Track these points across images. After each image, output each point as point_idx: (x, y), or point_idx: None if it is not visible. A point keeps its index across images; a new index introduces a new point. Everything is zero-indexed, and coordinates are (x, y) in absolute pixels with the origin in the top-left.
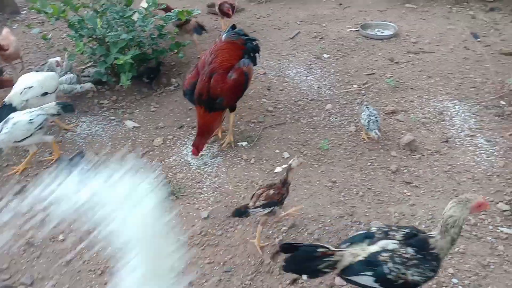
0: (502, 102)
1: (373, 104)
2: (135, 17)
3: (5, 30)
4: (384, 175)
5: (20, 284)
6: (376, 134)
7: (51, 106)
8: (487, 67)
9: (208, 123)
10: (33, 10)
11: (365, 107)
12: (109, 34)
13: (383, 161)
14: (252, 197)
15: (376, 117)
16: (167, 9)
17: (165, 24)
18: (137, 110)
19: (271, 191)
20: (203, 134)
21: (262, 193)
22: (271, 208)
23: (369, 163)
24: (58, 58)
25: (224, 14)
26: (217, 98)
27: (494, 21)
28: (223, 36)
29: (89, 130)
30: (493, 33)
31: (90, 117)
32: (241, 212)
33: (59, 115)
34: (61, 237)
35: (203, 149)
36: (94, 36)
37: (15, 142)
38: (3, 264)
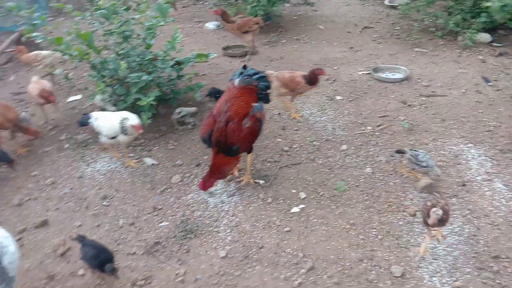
0: None
1: (388, 146)
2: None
3: (35, 78)
4: (402, 218)
5: None
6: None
7: None
8: (500, 111)
9: (223, 165)
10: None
11: (412, 151)
12: (130, 75)
13: (401, 204)
14: None
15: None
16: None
17: (182, 67)
18: (155, 148)
19: None
20: (214, 174)
21: None
22: None
23: (386, 206)
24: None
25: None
26: (234, 146)
27: (504, 65)
28: (236, 81)
29: (108, 166)
30: (504, 77)
31: (109, 154)
32: None
33: None
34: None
35: (211, 187)
36: (115, 77)
37: None
38: None
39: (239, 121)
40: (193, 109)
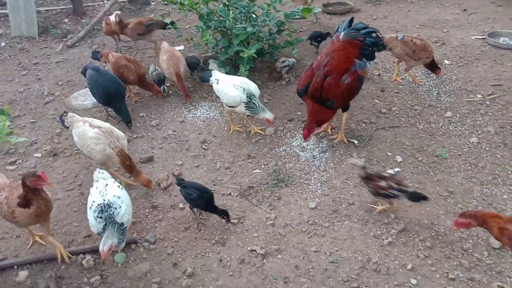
0: None
1: (499, 117)
2: (258, 12)
3: (165, 44)
4: (508, 192)
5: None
6: None
7: None
8: None
9: (320, 114)
10: (164, 1)
11: None
12: (236, 27)
13: (507, 177)
14: None
15: None
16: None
17: (285, 21)
18: None
19: None
20: (313, 122)
21: None
22: None
23: (491, 178)
24: None
25: None
26: (328, 100)
27: None
28: (341, 34)
29: (208, 114)
30: None
31: (209, 103)
32: None
33: None
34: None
35: (313, 131)
36: (219, 28)
37: None
38: None
39: (338, 76)
40: (294, 60)
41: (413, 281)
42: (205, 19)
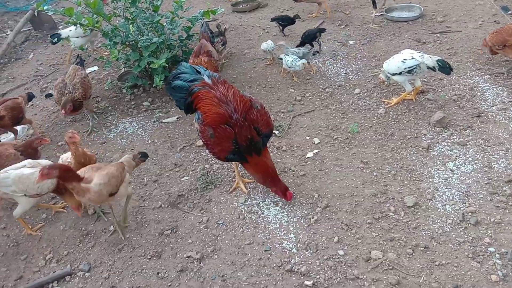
0: None
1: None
2: (163, 21)
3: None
4: (416, 153)
5: None
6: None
7: (431, 58)
8: None
9: (267, 163)
10: (69, 24)
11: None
12: (141, 39)
13: (414, 139)
14: None
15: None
16: None
17: (192, 26)
18: (172, 109)
19: None
20: (275, 180)
21: None
22: None
23: (400, 143)
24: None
25: None
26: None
27: None
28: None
29: (129, 130)
30: None
31: (129, 118)
32: None
33: (433, 70)
34: None
35: (286, 190)
36: (127, 43)
37: (388, 73)
38: None
39: (252, 108)
40: None
41: (341, 252)
42: (109, 35)
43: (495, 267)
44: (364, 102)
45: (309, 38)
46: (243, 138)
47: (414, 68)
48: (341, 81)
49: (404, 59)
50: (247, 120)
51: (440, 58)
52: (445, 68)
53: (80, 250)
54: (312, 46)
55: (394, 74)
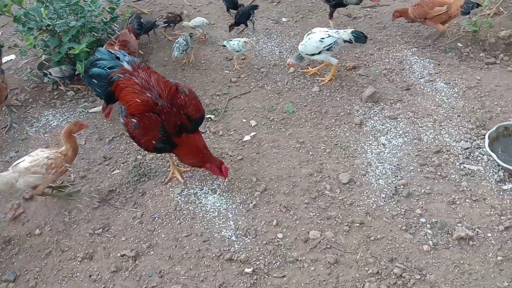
0: (459, 45)
1: None
2: (83, 4)
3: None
4: (349, 129)
5: None
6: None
7: (346, 32)
8: None
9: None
10: None
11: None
12: (56, 23)
13: (347, 116)
14: None
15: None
16: None
17: (116, 6)
18: (98, 98)
19: None
20: (205, 155)
21: None
22: None
23: (333, 120)
24: None
25: None
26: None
27: None
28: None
29: (52, 123)
30: None
31: (52, 110)
32: None
33: (350, 42)
34: None
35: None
36: (43, 28)
37: (307, 55)
38: None
39: (178, 93)
40: None
41: (280, 235)
42: (22, 21)
43: (426, 237)
44: (298, 81)
45: (244, 17)
46: (171, 125)
47: (332, 45)
48: (276, 60)
49: (322, 38)
50: (174, 106)
51: (353, 29)
52: (360, 38)
53: (2, 258)
54: (246, 25)
55: (313, 55)
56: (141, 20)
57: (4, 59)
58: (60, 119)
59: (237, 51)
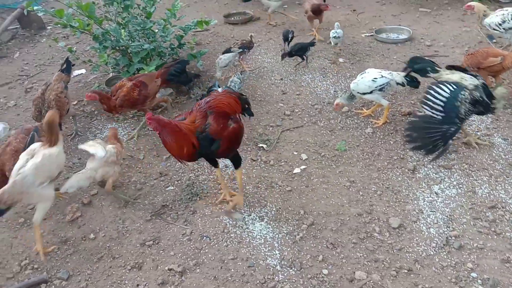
0: None
1: (390, 107)
2: (156, 28)
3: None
4: (401, 174)
5: None
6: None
7: (400, 74)
8: None
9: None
10: (58, 25)
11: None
12: (132, 44)
13: (400, 160)
14: None
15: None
16: None
17: (184, 35)
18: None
19: None
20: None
21: None
22: None
23: (386, 163)
24: None
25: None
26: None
27: None
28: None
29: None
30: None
31: (115, 124)
32: None
33: (402, 86)
34: None
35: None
36: (117, 48)
37: (358, 93)
38: None
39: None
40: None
41: (325, 271)
42: (100, 39)
43: None
44: (352, 121)
45: (301, 51)
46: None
47: (385, 86)
48: (330, 99)
49: (375, 78)
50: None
51: (405, 73)
52: (413, 82)
53: (58, 257)
54: (302, 59)
55: (364, 94)
56: (185, 68)
57: (75, 73)
58: (122, 133)
59: (225, 66)
